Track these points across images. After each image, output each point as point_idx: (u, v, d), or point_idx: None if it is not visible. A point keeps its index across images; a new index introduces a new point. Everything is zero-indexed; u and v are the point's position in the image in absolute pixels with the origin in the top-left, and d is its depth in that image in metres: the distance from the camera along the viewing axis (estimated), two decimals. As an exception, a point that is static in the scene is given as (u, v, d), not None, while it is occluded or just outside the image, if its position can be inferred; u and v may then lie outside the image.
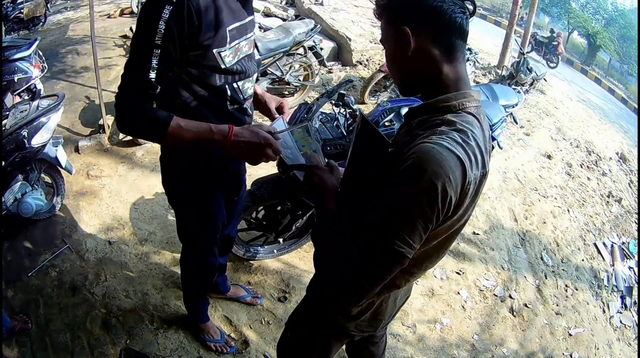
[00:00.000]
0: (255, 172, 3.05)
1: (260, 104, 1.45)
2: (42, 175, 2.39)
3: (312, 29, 3.61)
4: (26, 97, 2.90)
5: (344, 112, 2.11)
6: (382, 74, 3.99)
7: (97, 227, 2.47)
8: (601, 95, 9.95)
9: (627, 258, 3.66)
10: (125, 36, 5.01)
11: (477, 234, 3.12)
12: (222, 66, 1.16)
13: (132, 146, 3.18)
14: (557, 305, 2.87)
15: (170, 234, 2.45)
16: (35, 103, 2.29)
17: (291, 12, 5.61)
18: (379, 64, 4.66)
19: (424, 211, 0.73)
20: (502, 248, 3.11)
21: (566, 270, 3.20)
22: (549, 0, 19.25)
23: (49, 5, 5.40)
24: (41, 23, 5.33)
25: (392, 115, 2.27)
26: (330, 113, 2.16)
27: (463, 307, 2.54)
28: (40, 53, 3.02)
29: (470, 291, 2.66)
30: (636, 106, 9.65)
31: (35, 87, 3.01)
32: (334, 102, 2.08)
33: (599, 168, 4.81)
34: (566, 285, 3.06)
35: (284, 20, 5.23)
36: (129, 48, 1.14)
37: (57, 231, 2.40)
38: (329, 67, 4.76)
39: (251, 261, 2.39)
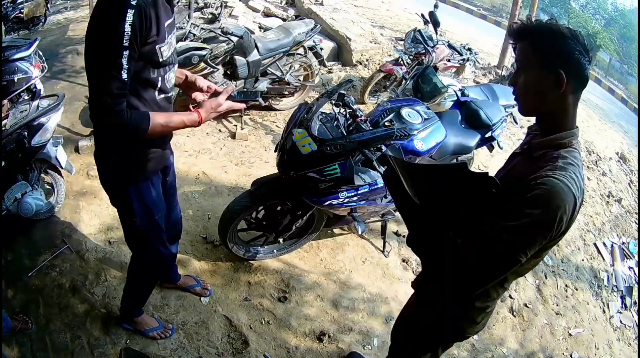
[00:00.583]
0: (256, 172, 3.05)
1: (186, 81, 1.56)
2: (42, 175, 2.38)
3: (312, 29, 3.60)
4: (26, 97, 2.89)
5: (344, 112, 2.10)
6: (382, 74, 3.98)
7: (97, 227, 2.47)
8: (601, 95, 9.92)
9: (627, 258, 3.66)
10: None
11: (477, 234, 3.12)
12: (160, 60, 1.26)
13: (132, 146, 3.16)
14: (557, 305, 2.87)
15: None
16: (35, 103, 2.30)
17: (291, 12, 5.60)
18: (379, 64, 4.64)
19: (543, 234, 0.96)
20: (502, 248, 3.10)
21: (566, 269, 3.20)
22: (549, 1, 19.23)
23: (49, 5, 5.38)
24: (41, 23, 5.31)
25: (392, 115, 2.26)
26: (330, 113, 2.16)
27: (463, 307, 2.54)
28: (40, 53, 3.00)
29: (470, 291, 2.66)
30: (636, 106, 9.63)
31: (35, 87, 3.00)
32: (334, 102, 2.07)
33: (599, 168, 4.80)
34: (566, 285, 3.06)
35: (284, 20, 5.22)
36: (91, 56, 1.18)
37: (57, 231, 2.40)
38: (329, 67, 4.74)
39: (251, 261, 2.39)
